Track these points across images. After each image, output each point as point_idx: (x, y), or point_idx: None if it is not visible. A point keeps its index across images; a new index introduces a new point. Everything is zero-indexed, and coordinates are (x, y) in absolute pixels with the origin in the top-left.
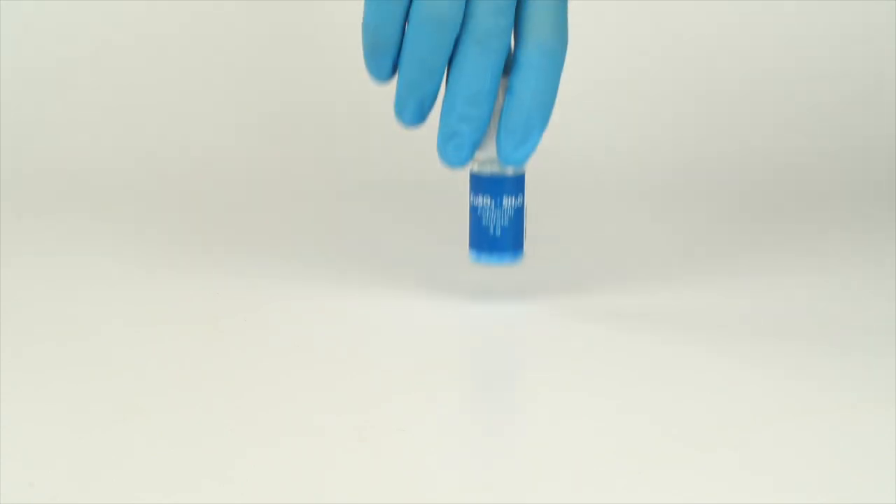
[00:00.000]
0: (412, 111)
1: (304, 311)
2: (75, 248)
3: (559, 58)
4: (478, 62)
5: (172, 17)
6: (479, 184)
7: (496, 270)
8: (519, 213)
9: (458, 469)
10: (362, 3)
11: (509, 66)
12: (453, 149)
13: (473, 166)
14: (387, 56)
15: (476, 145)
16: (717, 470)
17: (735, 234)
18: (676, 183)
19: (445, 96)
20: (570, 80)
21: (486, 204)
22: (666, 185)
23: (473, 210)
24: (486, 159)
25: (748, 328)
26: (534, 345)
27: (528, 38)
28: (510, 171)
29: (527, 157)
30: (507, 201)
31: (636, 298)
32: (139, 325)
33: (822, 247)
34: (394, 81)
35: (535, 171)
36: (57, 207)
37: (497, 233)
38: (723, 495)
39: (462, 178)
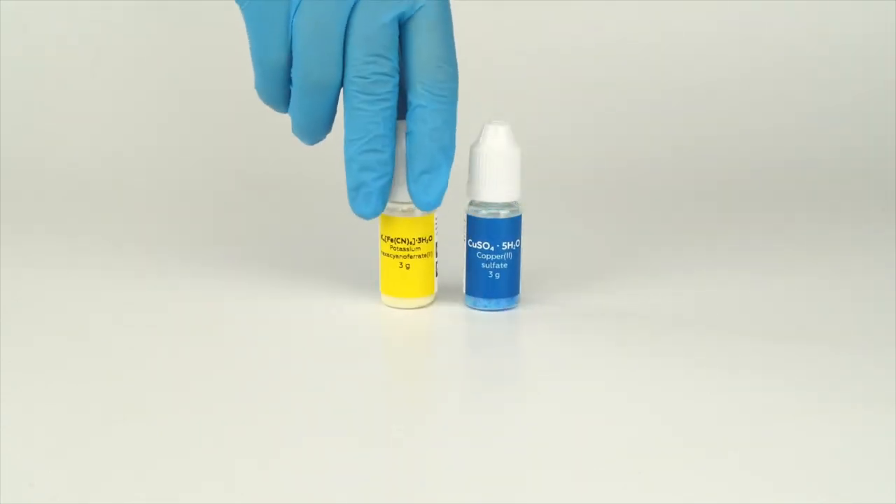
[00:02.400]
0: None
1: (303, 312)
2: (73, 249)
3: (451, 94)
4: (366, 111)
5: (172, 18)
6: (477, 228)
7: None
8: (516, 256)
9: (458, 469)
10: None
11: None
12: (362, 199)
13: (469, 210)
14: (282, 109)
15: (384, 192)
16: (716, 470)
17: (735, 234)
18: (676, 184)
19: (345, 150)
20: (571, 81)
21: (485, 248)
22: (666, 185)
23: (471, 254)
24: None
25: (748, 328)
26: (533, 344)
27: (416, 80)
28: (504, 213)
29: (438, 198)
30: (506, 245)
31: (635, 298)
32: (139, 325)
33: (821, 248)
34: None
35: (536, 171)
36: (56, 207)
37: (496, 277)
38: (723, 495)
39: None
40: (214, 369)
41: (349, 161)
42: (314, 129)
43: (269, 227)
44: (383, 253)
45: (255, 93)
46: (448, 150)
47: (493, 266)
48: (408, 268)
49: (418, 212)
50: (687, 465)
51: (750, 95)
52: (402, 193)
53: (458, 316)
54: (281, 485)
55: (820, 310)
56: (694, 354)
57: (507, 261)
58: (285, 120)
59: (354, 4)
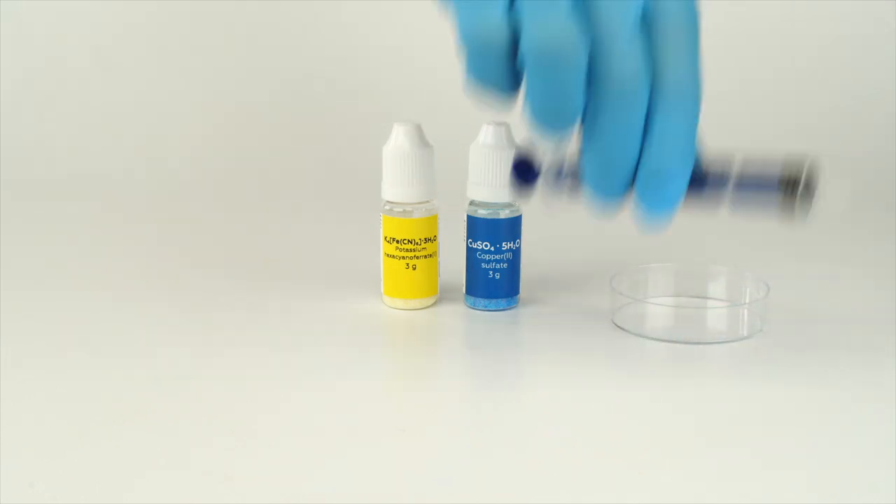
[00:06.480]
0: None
1: (303, 312)
2: (74, 248)
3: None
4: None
5: (172, 21)
6: (477, 228)
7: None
8: (517, 256)
9: (458, 468)
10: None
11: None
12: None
13: (469, 210)
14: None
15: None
16: (717, 470)
17: (734, 234)
18: None
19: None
20: None
21: (485, 248)
22: None
23: (471, 254)
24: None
25: (746, 326)
26: (533, 344)
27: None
28: (504, 213)
29: (667, 208)
30: (506, 245)
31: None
32: (139, 326)
33: (822, 248)
34: None
35: None
36: (56, 207)
37: (496, 277)
38: (724, 495)
39: (460, 179)
40: (215, 370)
41: (589, 163)
42: (563, 111)
43: (269, 228)
44: (387, 255)
45: (256, 94)
46: (687, 158)
47: (493, 266)
48: (414, 268)
49: (416, 212)
50: (687, 465)
51: (751, 96)
52: (400, 194)
53: (458, 316)
54: (282, 482)
55: (823, 310)
56: (694, 354)
57: (507, 261)
58: (286, 122)
59: None
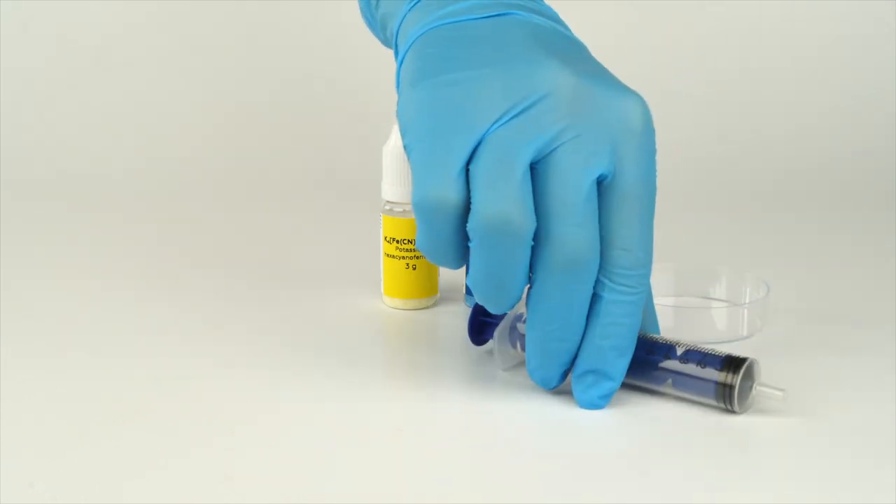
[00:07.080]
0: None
1: (303, 313)
2: (75, 249)
3: (637, 284)
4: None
5: (172, 21)
6: None
7: None
8: None
9: (458, 468)
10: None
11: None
12: (539, 380)
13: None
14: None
15: (563, 378)
16: (718, 470)
17: (735, 235)
18: (674, 184)
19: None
20: None
21: None
22: (664, 185)
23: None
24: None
25: (746, 326)
26: None
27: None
28: None
29: (600, 402)
30: None
31: None
32: (139, 326)
33: (825, 249)
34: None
35: None
36: (57, 208)
37: None
38: (725, 496)
39: None
40: (215, 369)
41: (531, 343)
42: (506, 284)
43: (268, 227)
44: (387, 255)
45: (256, 94)
46: (624, 352)
47: None
48: (414, 268)
49: None
50: (688, 465)
51: (751, 96)
52: (399, 194)
53: (458, 316)
54: (282, 482)
55: (823, 310)
56: None
57: None
58: (286, 122)
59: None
